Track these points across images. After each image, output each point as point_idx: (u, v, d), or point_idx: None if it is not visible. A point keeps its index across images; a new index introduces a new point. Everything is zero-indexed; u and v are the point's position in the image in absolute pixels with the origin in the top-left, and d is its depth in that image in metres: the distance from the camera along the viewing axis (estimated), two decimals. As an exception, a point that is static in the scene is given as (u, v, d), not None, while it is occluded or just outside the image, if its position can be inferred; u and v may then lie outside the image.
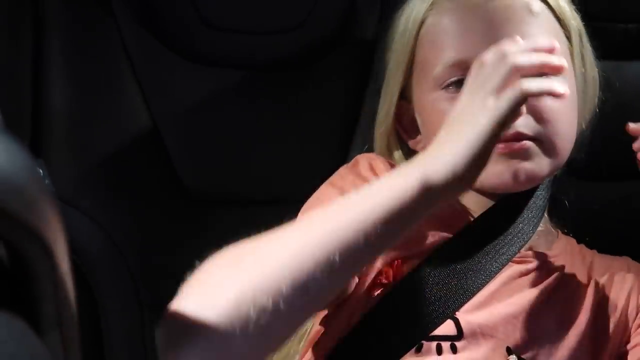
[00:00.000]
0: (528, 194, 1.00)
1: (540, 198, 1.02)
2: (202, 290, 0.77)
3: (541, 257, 1.03)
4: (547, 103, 0.95)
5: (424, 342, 0.94)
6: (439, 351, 0.94)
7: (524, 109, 0.85)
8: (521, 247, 0.99)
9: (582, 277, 1.03)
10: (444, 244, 0.98)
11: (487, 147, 0.78)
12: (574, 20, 1.04)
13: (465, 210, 1.01)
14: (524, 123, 0.93)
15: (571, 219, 1.13)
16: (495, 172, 0.93)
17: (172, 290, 1.11)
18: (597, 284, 1.03)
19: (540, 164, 0.95)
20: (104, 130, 1.19)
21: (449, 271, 0.96)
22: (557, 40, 0.91)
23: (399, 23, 1.06)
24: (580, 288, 1.02)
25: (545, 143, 0.95)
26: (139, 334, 1.22)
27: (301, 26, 1.29)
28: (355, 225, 0.76)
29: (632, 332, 1.01)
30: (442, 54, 0.98)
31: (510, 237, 0.98)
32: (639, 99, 1.47)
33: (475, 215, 1.00)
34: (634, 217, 1.44)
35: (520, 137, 0.94)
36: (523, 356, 0.97)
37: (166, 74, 1.26)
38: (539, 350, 0.97)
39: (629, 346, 1.01)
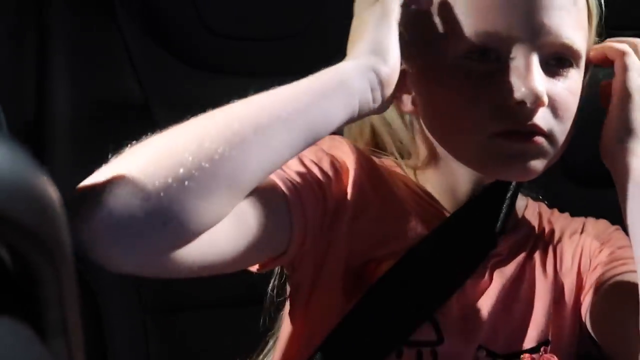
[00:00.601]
0: (505, 188, 0.98)
1: (516, 190, 1.00)
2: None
3: (511, 239, 1.00)
4: (564, 98, 0.90)
5: (404, 348, 0.92)
6: (420, 358, 0.92)
7: (546, 99, 0.86)
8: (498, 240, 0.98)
9: (545, 250, 1.01)
10: (419, 242, 0.95)
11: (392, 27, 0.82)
12: (596, 17, 0.97)
13: (440, 207, 0.98)
14: (542, 116, 0.87)
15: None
16: (504, 169, 0.90)
17: (174, 295, 1.11)
18: (556, 250, 1.01)
19: (545, 162, 0.90)
20: (108, 137, 1.20)
21: (426, 270, 0.94)
22: (582, 32, 0.90)
23: None
24: (546, 264, 1.00)
25: (554, 140, 0.90)
26: (142, 339, 1.23)
27: (306, 32, 1.29)
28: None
29: (585, 286, 0.99)
30: (461, 20, 0.87)
31: (487, 231, 0.97)
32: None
33: (450, 213, 0.97)
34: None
35: (536, 131, 0.88)
36: (496, 346, 0.96)
37: (170, 81, 1.27)
38: (511, 334, 0.97)
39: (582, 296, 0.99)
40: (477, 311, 0.96)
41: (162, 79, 1.27)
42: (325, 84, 0.80)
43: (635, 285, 0.89)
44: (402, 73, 0.87)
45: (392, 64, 0.84)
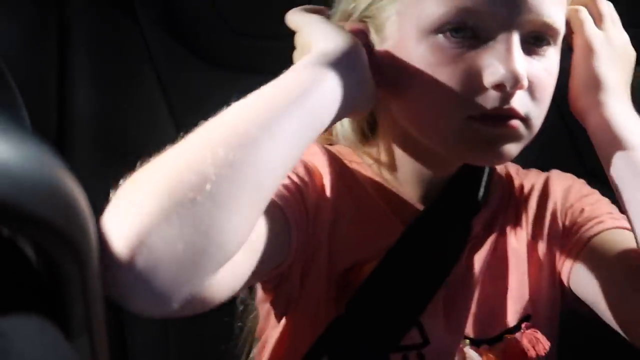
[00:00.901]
0: (478, 173, 0.97)
1: (489, 175, 0.99)
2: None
3: (484, 217, 0.98)
4: (542, 79, 0.86)
5: (390, 354, 0.90)
6: None
7: (526, 82, 0.82)
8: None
9: (516, 219, 0.99)
10: (397, 240, 0.92)
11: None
12: None
13: (411, 200, 0.95)
14: (519, 99, 0.84)
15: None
16: (479, 154, 0.86)
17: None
18: (528, 217, 0.99)
19: (520, 146, 0.87)
20: (128, 132, 1.20)
21: (408, 269, 0.92)
22: (561, 8, 0.87)
23: None
24: (517, 235, 0.98)
25: (530, 124, 0.86)
26: (163, 341, 1.22)
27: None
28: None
29: (562, 250, 0.96)
30: None
31: (463, 219, 0.96)
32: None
33: (419, 206, 0.95)
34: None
35: (513, 114, 0.84)
36: (479, 333, 0.94)
37: (189, 78, 1.26)
38: (491, 317, 0.95)
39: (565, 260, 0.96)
40: (459, 305, 0.94)
41: (182, 75, 1.27)
42: (317, 72, 0.79)
43: (614, 242, 0.89)
44: (374, 54, 0.87)
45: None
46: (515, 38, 0.83)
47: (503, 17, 0.82)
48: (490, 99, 0.83)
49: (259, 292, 0.97)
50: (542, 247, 0.97)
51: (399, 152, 0.95)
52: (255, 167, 0.68)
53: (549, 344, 0.95)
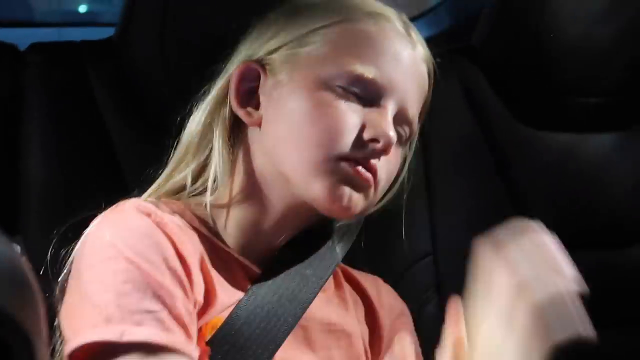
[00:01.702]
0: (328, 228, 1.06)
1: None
2: None
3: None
4: (395, 162, 1.01)
5: None
6: None
7: (392, 137, 0.95)
8: (330, 272, 1.04)
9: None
10: (248, 289, 0.98)
11: None
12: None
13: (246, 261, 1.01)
14: (380, 162, 0.97)
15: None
16: (331, 190, 0.95)
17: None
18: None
19: (364, 205, 0.99)
20: (82, 202, 1.21)
21: (260, 314, 0.96)
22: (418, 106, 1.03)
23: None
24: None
25: (376, 190, 0.99)
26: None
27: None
28: None
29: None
30: (354, 59, 0.98)
31: (316, 263, 1.03)
32: (603, 169, 1.51)
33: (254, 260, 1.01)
34: (596, 285, 1.47)
35: (372, 171, 0.97)
36: None
37: (144, 145, 1.27)
38: None
39: None
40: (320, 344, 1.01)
41: (136, 144, 1.27)
42: None
43: None
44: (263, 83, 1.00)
45: None
46: (393, 109, 0.98)
47: (395, 95, 0.98)
48: (363, 149, 0.96)
49: None
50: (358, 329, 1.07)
51: (244, 196, 1.03)
52: None
53: None
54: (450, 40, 1.61)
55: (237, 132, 1.03)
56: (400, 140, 1.01)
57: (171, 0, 1.23)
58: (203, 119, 1.03)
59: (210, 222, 1.01)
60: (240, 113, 1.02)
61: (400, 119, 1.00)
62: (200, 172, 1.03)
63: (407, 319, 1.11)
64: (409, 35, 1.02)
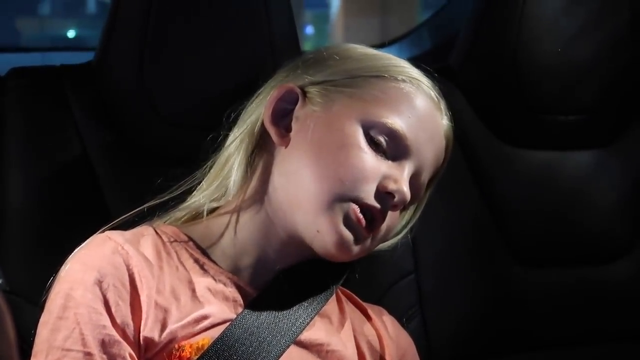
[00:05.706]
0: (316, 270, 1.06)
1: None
2: None
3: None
4: (395, 222, 1.06)
5: None
6: None
7: (408, 195, 1.00)
8: (326, 298, 1.05)
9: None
10: (241, 310, 1.00)
11: None
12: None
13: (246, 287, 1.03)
14: (386, 216, 1.02)
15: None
16: (332, 226, 0.99)
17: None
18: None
19: (359, 249, 1.02)
20: (60, 226, 1.21)
21: (251, 336, 0.97)
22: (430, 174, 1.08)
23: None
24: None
25: (374, 240, 1.03)
26: None
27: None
28: None
29: None
30: (392, 113, 1.03)
31: (297, 307, 1.03)
32: (583, 186, 1.52)
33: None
34: (578, 302, 1.48)
35: (377, 221, 1.01)
36: None
37: (124, 170, 1.27)
38: None
39: None
40: None
41: (116, 167, 1.27)
42: None
43: None
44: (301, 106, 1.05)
45: None
46: (410, 169, 1.03)
47: (418, 158, 1.03)
48: (378, 199, 1.00)
49: None
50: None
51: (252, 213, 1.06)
52: None
53: None
54: (435, 60, 1.62)
55: (259, 148, 1.07)
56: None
57: (150, 24, 1.24)
58: (239, 135, 1.08)
59: (207, 240, 1.05)
60: (273, 130, 1.05)
61: (413, 181, 1.04)
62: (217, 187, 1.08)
63: (414, 352, 1.16)
64: (440, 106, 1.08)
